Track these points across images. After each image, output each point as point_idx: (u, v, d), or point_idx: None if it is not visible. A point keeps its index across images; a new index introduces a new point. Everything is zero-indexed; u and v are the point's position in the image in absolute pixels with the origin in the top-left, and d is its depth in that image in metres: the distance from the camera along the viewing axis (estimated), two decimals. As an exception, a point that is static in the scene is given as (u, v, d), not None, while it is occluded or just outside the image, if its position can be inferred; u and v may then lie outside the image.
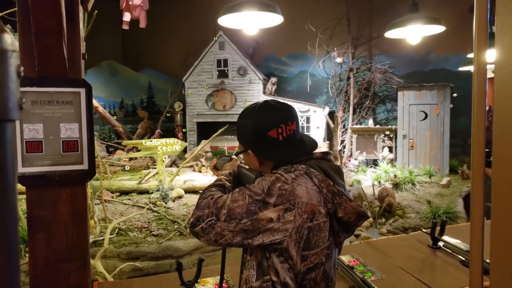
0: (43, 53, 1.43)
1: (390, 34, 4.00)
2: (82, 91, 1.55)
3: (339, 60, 10.30)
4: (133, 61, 12.83)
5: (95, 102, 9.95)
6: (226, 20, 3.26)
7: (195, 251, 4.07)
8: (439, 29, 3.97)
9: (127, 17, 7.33)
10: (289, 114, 1.27)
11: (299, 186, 1.15)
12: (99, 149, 9.33)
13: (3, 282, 0.38)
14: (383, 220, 6.22)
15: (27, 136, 1.47)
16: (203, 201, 1.23)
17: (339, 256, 2.18)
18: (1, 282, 0.38)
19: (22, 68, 0.39)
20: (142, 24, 7.41)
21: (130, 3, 7.24)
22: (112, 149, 10.09)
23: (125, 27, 7.37)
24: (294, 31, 10.37)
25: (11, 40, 0.39)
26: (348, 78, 10.30)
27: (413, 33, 4.01)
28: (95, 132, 10.08)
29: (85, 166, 1.59)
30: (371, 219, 6.10)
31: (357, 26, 10.01)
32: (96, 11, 4.42)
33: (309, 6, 10.13)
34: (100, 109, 10.18)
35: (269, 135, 1.24)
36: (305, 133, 9.96)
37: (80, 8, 1.59)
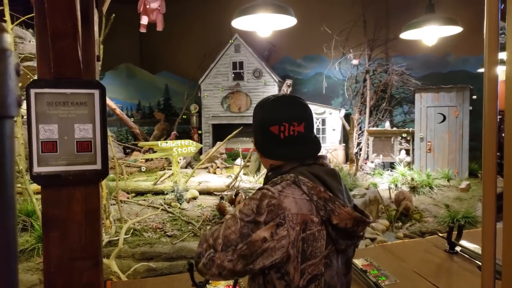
0: (59, 55, 1.47)
1: (406, 35, 3.94)
2: (96, 92, 1.58)
3: (355, 62, 10.21)
4: (150, 64, 13.01)
5: (112, 104, 10.12)
6: (240, 22, 3.27)
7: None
8: (456, 30, 3.89)
9: (144, 20, 7.45)
10: (298, 115, 1.23)
11: (286, 198, 1.11)
12: (116, 151, 9.47)
13: (1, 270, 0.39)
14: (400, 224, 6.12)
15: (43, 137, 1.51)
16: (202, 237, 1.21)
17: (353, 259, 2.16)
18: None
19: (20, 66, 0.40)
20: (159, 27, 7.51)
21: (148, 6, 7.35)
22: (129, 150, 10.24)
23: (143, 30, 7.48)
24: (309, 33, 10.34)
25: (10, 39, 0.40)
26: (365, 80, 10.20)
27: (429, 34, 3.94)
28: (112, 134, 10.27)
29: (98, 166, 1.61)
30: (387, 223, 6.01)
31: (374, 28, 9.91)
32: (113, 15, 4.49)
33: (325, 8, 10.09)
34: (118, 111, 10.34)
35: (271, 130, 1.23)
36: (322, 135, 9.99)
37: (95, 11, 1.62)
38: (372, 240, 5.31)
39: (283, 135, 1.22)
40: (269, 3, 3.01)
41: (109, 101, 10.04)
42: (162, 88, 12.89)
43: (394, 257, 2.36)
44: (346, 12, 9.95)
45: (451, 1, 8.39)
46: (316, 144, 1.29)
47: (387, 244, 2.71)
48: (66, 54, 1.47)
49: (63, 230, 1.58)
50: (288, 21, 3.27)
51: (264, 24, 3.28)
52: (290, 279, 1.10)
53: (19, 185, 5.03)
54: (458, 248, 2.37)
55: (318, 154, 1.28)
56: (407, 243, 2.77)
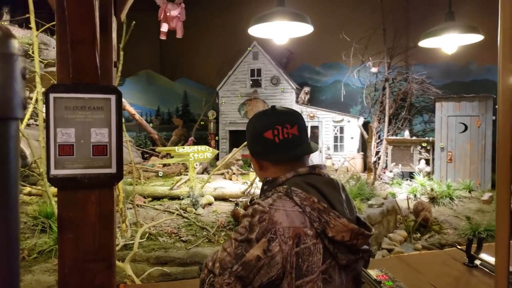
0: (77, 61, 1.50)
1: (424, 43, 3.88)
2: (113, 97, 1.61)
3: (374, 70, 10.12)
4: (169, 71, 13.21)
5: (132, 110, 10.29)
6: (256, 30, 3.30)
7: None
8: (476, 38, 3.81)
9: (164, 27, 7.59)
10: (289, 118, 1.24)
11: (277, 211, 1.07)
12: (135, 155, 9.61)
13: (2, 268, 0.39)
14: (418, 235, 5.99)
15: (60, 140, 1.54)
16: (204, 263, 1.19)
17: (367, 270, 2.12)
18: (1, 268, 0.39)
19: (26, 70, 0.41)
20: (179, 34, 7.63)
21: (168, 14, 7.49)
22: (147, 155, 10.37)
23: (163, 37, 7.62)
24: (328, 41, 10.33)
25: (18, 44, 0.41)
26: (384, 88, 10.09)
27: (449, 42, 3.87)
28: (131, 139, 10.43)
29: (113, 169, 1.64)
30: (405, 233, 5.89)
31: (393, 36, 9.82)
32: (133, 22, 4.58)
33: (344, 16, 10.07)
34: (137, 116, 10.51)
35: (265, 136, 1.22)
36: (340, 143, 9.91)
37: (114, 18, 1.65)
38: (389, 251, 5.21)
39: (277, 139, 1.21)
40: (286, 11, 3.03)
41: (128, 107, 10.21)
42: (181, 94, 13.05)
43: (410, 268, 2.30)
44: (366, 20, 9.90)
45: (472, 9, 8.24)
46: (310, 145, 1.26)
47: (403, 255, 2.65)
48: (85, 60, 1.51)
49: (78, 232, 1.61)
50: (305, 29, 3.27)
51: (280, 32, 3.30)
52: None
53: (39, 187, 5.16)
54: (477, 262, 2.30)
55: (315, 164, 1.25)
56: (424, 254, 2.70)
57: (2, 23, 7.16)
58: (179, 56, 12.73)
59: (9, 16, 7.63)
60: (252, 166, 1.36)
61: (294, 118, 1.25)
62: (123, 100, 9.36)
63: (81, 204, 1.61)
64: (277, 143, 1.21)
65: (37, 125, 6.80)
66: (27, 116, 4.96)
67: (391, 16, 9.64)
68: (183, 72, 13.11)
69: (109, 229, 1.67)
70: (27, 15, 4.47)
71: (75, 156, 1.57)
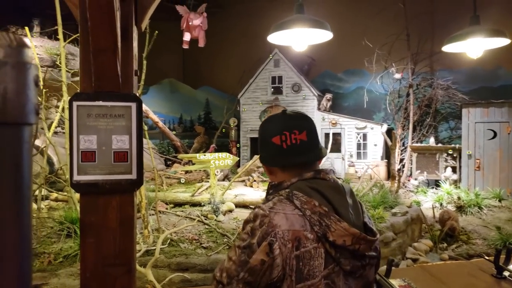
0: (99, 69, 1.55)
1: (448, 48, 3.79)
2: (133, 105, 1.64)
3: (397, 76, 9.96)
4: (192, 79, 13.41)
5: (155, 117, 10.48)
6: (276, 37, 3.31)
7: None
8: (503, 42, 3.70)
9: (187, 37, 7.72)
10: (298, 123, 1.24)
11: (276, 214, 1.09)
12: (158, 162, 9.76)
13: (15, 268, 0.41)
14: (445, 245, 5.81)
15: (82, 147, 1.58)
16: (213, 274, 1.21)
17: (389, 279, 2.07)
18: (12, 270, 0.41)
19: (39, 77, 0.42)
20: (201, 43, 7.75)
21: (190, 23, 7.62)
22: (170, 162, 10.51)
23: (185, 46, 7.76)
24: (350, 47, 10.26)
25: (31, 53, 0.42)
26: (408, 95, 9.91)
27: (474, 46, 3.76)
28: (154, 146, 10.61)
29: (133, 176, 1.67)
30: (430, 243, 5.72)
31: (418, 41, 9.64)
32: (156, 32, 4.69)
33: (366, 22, 9.98)
34: (160, 124, 10.69)
35: (273, 142, 1.23)
36: (363, 150, 9.77)
37: (134, 28, 1.70)
38: (414, 260, 5.07)
39: (285, 144, 1.21)
40: (305, 18, 3.03)
41: (152, 115, 10.41)
42: (203, 102, 13.22)
43: (435, 279, 2.24)
44: (389, 26, 9.78)
45: (498, 12, 8.02)
46: (320, 152, 1.26)
47: (428, 265, 2.58)
48: (106, 68, 1.55)
49: (99, 236, 1.64)
50: (324, 35, 3.26)
51: (300, 39, 3.30)
52: None
53: (65, 193, 5.31)
54: (506, 273, 2.21)
55: (321, 168, 1.25)
56: (450, 265, 2.62)
57: (34, 35, 7.46)
58: (201, 65, 12.91)
59: (39, 28, 7.95)
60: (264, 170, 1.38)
61: (303, 123, 1.25)
62: (147, 108, 9.56)
63: (103, 209, 1.65)
64: (285, 149, 1.22)
65: (64, 132, 7.02)
66: (54, 124, 5.12)
67: (415, 21, 9.48)
68: (205, 80, 13.29)
69: (129, 234, 1.69)
70: (56, 27, 4.64)
71: (97, 162, 1.61)
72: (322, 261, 1.07)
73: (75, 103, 1.56)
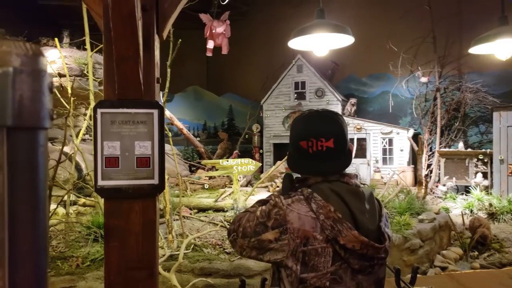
0: (122, 77, 1.59)
1: (475, 50, 3.68)
2: (155, 112, 1.68)
3: (424, 79, 9.75)
4: (216, 86, 13.58)
5: (180, 124, 10.65)
6: (297, 43, 3.31)
7: (266, 272, 4.06)
8: (534, 42, 3.56)
9: (210, 44, 7.83)
10: (326, 130, 1.27)
11: (291, 212, 1.20)
12: (182, 168, 9.90)
13: (31, 270, 0.43)
14: (476, 253, 5.60)
15: (106, 152, 1.63)
16: (235, 217, 1.38)
17: (414, 287, 2.02)
18: (28, 271, 0.42)
19: (53, 84, 0.44)
20: (224, 50, 7.84)
21: (213, 31, 7.73)
22: (194, 168, 10.64)
23: (209, 54, 7.86)
24: (375, 51, 10.14)
25: (46, 61, 0.45)
26: (435, 99, 9.67)
27: (503, 48, 3.64)
28: (179, 152, 10.76)
29: (155, 181, 1.70)
30: (460, 251, 5.53)
31: (445, 44, 9.41)
32: (180, 40, 4.78)
33: (391, 26, 9.84)
34: (185, 131, 10.85)
35: (301, 145, 1.29)
36: (389, 156, 9.59)
37: (156, 37, 1.74)
38: (443, 269, 4.90)
39: (311, 150, 1.27)
40: (325, 23, 3.02)
41: (176, 122, 10.58)
42: (227, 109, 13.35)
43: (462, 288, 2.16)
44: (414, 29, 9.59)
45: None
46: (347, 159, 1.31)
47: (455, 273, 2.50)
48: (129, 76, 1.60)
49: (122, 240, 1.68)
50: (345, 40, 3.24)
51: (321, 44, 3.29)
52: (293, 277, 1.19)
53: (92, 198, 5.45)
54: (539, 283, 2.11)
55: (346, 172, 1.31)
56: (479, 273, 2.53)
57: (64, 45, 7.75)
58: (225, 72, 13.06)
59: (68, 39, 8.27)
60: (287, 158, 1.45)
61: (333, 129, 1.29)
62: (172, 115, 9.71)
63: (126, 214, 1.68)
64: (310, 154, 1.28)
65: (91, 139, 7.23)
66: (82, 131, 5.29)
67: (441, 23, 9.26)
68: (229, 87, 13.43)
69: (152, 238, 1.72)
70: (84, 38, 4.80)
71: (120, 168, 1.65)
72: (329, 258, 1.17)
73: (99, 110, 1.61)
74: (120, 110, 1.63)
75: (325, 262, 1.17)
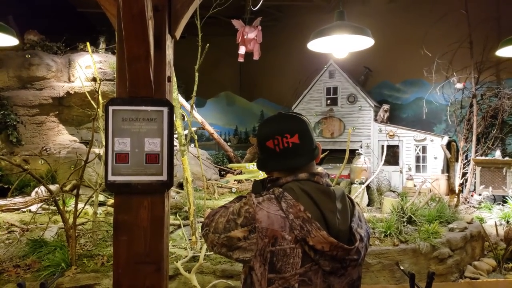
0: (133, 76, 1.65)
1: (503, 52, 3.51)
2: (165, 109, 1.72)
3: (459, 86, 9.37)
4: (248, 91, 13.70)
5: (211, 129, 10.80)
6: (315, 45, 3.29)
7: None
8: None
9: (242, 50, 7.89)
10: (289, 127, 1.28)
11: (261, 210, 1.19)
12: (212, 172, 10.02)
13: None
14: (510, 265, 5.29)
15: (117, 149, 1.69)
16: (210, 211, 1.39)
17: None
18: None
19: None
20: (256, 56, 7.89)
21: (245, 37, 7.79)
22: (224, 172, 10.74)
23: (240, 59, 7.93)
24: (408, 57, 9.90)
25: None
26: (471, 105, 9.27)
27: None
28: (209, 157, 10.89)
29: (164, 177, 1.74)
30: (493, 262, 5.24)
31: (482, 49, 9.01)
32: (208, 45, 4.86)
33: (426, 30, 9.54)
34: (215, 135, 10.99)
35: (267, 146, 1.30)
36: (422, 163, 9.27)
37: (168, 36, 1.79)
38: (474, 280, 4.66)
39: (278, 148, 1.28)
40: (344, 25, 2.99)
41: (208, 126, 10.75)
42: (258, 114, 13.42)
43: (483, 299, 2.05)
44: (449, 34, 9.26)
45: None
46: (314, 154, 1.31)
47: (477, 282, 2.38)
48: (140, 75, 1.65)
49: (131, 235, 1.73)
50: (365, 42, 3.18)
51: (340, 46, 3.25)
52: (259, 283, 1.19)
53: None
54: None
55: (315, 171, 1.29)
56: (502, 282, 2.40)
57: (99, 51, 8.09)
58: (257, 77, 13.15)
59: (104, 44, 8.61)
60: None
61: (295, 126, 1.30)
62: (203, 119, 9.84)
63: (135, 209, 1.73)
64: (278, 152, 1.29)
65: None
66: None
67: (479, 28, 8.90)
68: (260, 93, 13.51)
69: (159, 234, 1.76)
70: (114, 45, 4.98)
71: (130, 164, 1.70)
72: (298, 260, 1.15)
73: (110, 108, 1.67)
74: (131, 107, 1.69)
75: (294, 264, 1.15)
